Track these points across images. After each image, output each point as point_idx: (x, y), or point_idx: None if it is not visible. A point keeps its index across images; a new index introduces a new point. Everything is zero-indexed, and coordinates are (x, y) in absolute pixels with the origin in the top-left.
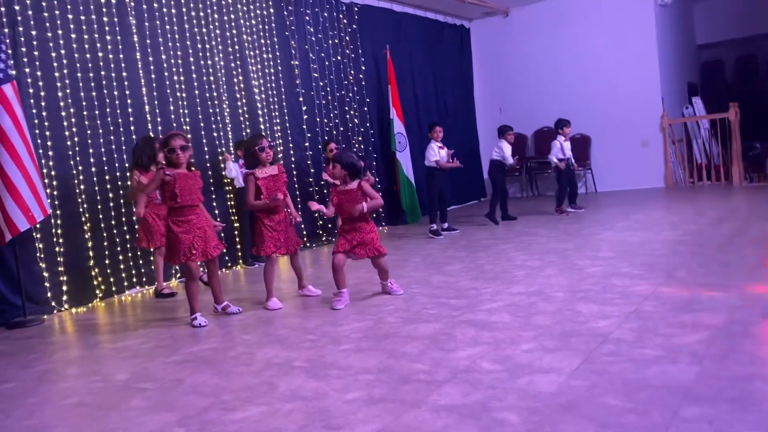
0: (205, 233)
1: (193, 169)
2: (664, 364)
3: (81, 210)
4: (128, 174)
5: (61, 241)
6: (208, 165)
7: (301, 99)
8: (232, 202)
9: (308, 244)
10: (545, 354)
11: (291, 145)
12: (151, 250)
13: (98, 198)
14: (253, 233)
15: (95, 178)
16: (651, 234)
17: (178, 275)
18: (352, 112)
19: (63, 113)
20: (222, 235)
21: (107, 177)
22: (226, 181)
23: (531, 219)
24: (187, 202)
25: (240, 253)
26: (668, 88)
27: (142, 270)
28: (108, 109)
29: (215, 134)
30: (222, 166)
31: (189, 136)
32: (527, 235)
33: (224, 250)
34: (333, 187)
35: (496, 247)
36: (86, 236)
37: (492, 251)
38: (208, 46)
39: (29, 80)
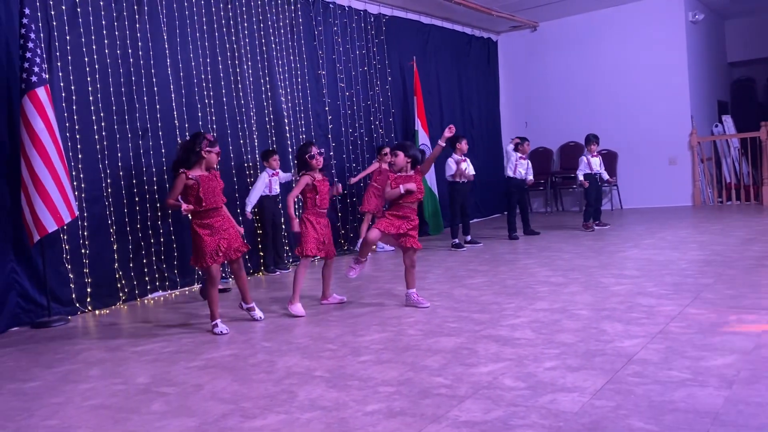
0: (229, 234)
1: (215, 168)
2: (692, 387)
3: (108, 213)
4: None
5: (87, 243)
6: (234, 171)
7: (327, 108)
8: (255, 209)
9: None
10: (569, 372)
11: None
12: None
13: (124, 201)
14: (298, 234)
15: (122, 182)
16: (678, 253)
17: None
18: (377, 123)
19: (93, 117)
20: (244, 240)
21: (134, 181)
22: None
23: (555, 234)
24: (211, 204)
25: (262, 260)
26: (698, 105)
27: (165, 274)
28: (137, 114)
29: (241, 141)
30: (249, 173)
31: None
32: (551, 250)
33: (247, 251)
34: (377, 176)
35: (519, 261)
36: (112, 239)
37: (515, 266)
38: (236, 53)
39: (62, 84)
